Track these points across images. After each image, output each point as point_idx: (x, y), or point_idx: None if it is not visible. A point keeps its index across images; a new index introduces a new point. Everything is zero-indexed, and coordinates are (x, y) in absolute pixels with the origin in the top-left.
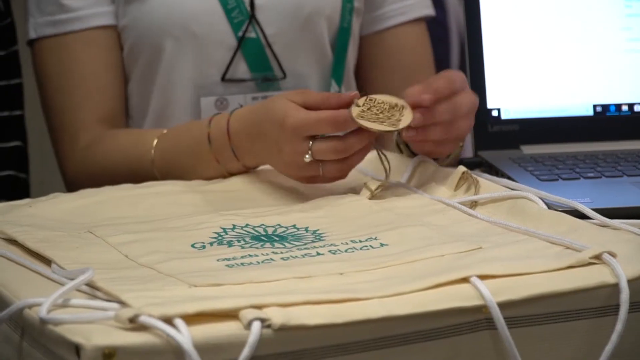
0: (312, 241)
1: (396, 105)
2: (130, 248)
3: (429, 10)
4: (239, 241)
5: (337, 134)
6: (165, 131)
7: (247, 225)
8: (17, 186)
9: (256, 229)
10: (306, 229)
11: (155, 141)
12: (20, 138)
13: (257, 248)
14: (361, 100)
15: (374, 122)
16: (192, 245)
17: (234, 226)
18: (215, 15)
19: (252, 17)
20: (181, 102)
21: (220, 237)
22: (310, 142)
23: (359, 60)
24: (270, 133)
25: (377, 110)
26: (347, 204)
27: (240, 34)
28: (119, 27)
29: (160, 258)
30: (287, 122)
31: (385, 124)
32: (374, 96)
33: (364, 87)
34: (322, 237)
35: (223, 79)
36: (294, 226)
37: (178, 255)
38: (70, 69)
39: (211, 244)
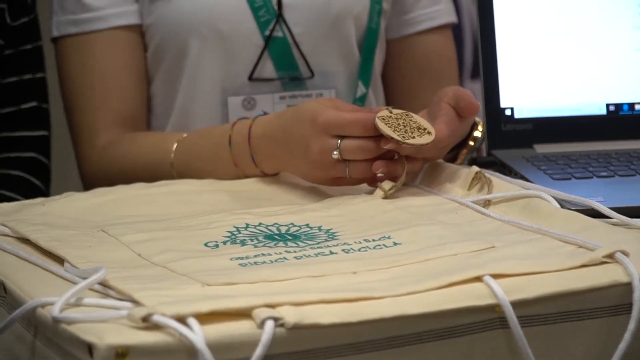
0: (326, 240)
1: (424, 129)
2: (144, 247)
3: (454, 17)
4: (252, 240)
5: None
6: (185, 135)
7: (260, 224)
8: (40, 169)
9: (269, 227)
10: (319, 228)
11: (175, 145)
12: (46, 129)
13: (270, 247)
14: (397, 110)
15: (390, 127)
16: (205, 244)
17: (247, 225)
18: (241, 14)
19: (279, 16)
20: (207, 101)
21: (233, 236)
22: (339, 141)
23: (385, 63)
24: (298, 132)
25: (404, 123)
26: (361, 203)
27: (267, 32)
28: (143, 26)
29: (173, 257)
30: (319, 119)
31: (397, 133)
32: (411, 113)
33: (390, 91)
34: (335, 236)
35: (250, 78)
36: (307, 225)
37: (191, 254)
38: (90, 69)
39: (224, 242)
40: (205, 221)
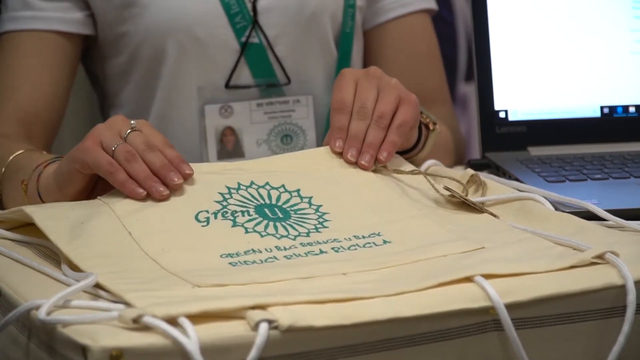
0: (315, 228)
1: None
2: (134, 221)
3: (431, 4)
4: (243, 214)
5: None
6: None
7: (252, 183)
8: None
9: (260, 190)
10: (310, 202)
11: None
12: None
13: (261, 236)
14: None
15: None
16: (196, 218)
17: (239, 185)
18: (218, 20)
19: (254, 22)
20: (185, 108)
21: (225, 202)
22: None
23: (364, 59)
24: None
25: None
26: (352, 176)
27: (243, 39)
28: (114, 35)
29: (164, 241)
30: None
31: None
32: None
33: None
34: (325, 219)
35: (227, 85)
36: (298, 192)
37: (181, 235)
38: (15, 64)
39: (215, 215)
40: (197, 181)
